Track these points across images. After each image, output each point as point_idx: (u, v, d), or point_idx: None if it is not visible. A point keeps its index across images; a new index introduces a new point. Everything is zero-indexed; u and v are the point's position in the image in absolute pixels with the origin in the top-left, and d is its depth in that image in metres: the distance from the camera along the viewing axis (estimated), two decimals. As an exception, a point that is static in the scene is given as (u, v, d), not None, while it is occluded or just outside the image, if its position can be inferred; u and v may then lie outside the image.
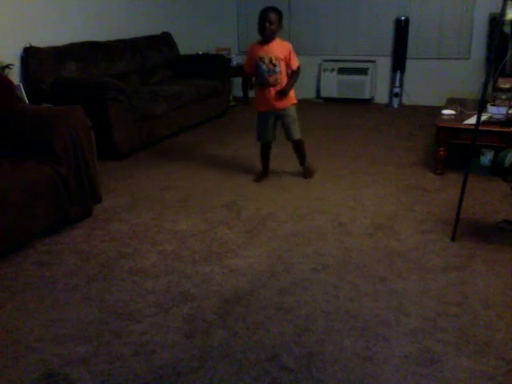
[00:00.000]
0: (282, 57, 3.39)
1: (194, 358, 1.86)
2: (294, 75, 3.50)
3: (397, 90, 6.36)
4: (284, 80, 3.46)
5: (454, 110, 3.94)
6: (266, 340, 1.94)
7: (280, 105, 3.49)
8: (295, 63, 3.46)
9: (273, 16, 3.29)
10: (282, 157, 4.10)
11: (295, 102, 3.58)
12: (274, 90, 3.44)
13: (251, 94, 6.70)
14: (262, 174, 3.77)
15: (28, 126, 2.93)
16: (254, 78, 3.58)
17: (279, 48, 3.40)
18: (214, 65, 5.85)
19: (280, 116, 3.55)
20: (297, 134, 3.63)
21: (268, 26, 3.29)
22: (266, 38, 3.36)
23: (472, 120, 3.58)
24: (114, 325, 2.06)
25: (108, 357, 1.87)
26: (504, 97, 3.73)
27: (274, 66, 3.38)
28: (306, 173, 3.81)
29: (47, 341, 1.97)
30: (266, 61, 3.37)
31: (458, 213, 2.73)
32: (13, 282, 2.40)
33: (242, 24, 7.01)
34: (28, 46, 4.14)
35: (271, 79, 3.41)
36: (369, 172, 3.89)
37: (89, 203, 3.03)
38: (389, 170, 3.94)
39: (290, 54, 3.42)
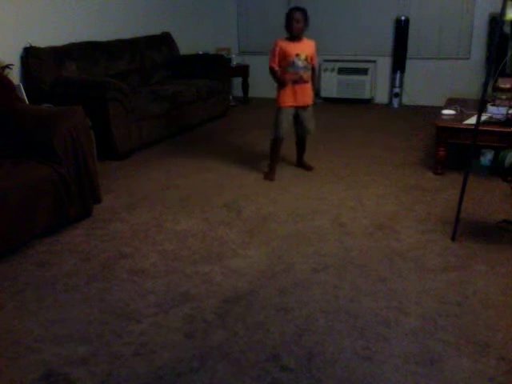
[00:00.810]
0: (311, 54, 3.56)
1: (193, 358, 1.86)
2: (315, 72, 3.69)
3: (397, 90, 6.36)
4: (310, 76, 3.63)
5: (454, 109, 3.95)
6: (266, 340, 1.94)
7: (309, 100, 3.67)
8: (317, 60, 3.69)
9: (301, 15, 3.44)
10: (282, 156, 4.10)
11: None
12: (306, 86, 3.59)
13: (251, 94, 6.76)
14: (273, 171, 3.79)
15: (28, 126, 2.93)
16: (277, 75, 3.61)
17: (309, 46, 3.57)
18: (213, 65, 5.85)
19: (302, 111, 3.67)
20: (313, 128, 3.82)
21: (296, 24, 3.44)
22: (296, 35, 3.49)
23: (472, 120, 3.58)
24: (113, 325, 2.06)
25: (108, 357, 1.87)
26: (504, 97, 3.73)
27: (308, 62, 3.54)
28: (307, 165, 3.97)
29: (47, 341, 1.97)
30: (303, 58, 3.50)
31: (458, 213, 2.73)
32: (13, 282, 2.40)
33: (242, 24, 6.99)
34: (28, 45, 4.13)
35: (305, 76, 3.55)
36: (369, 172, 3.89)
37: (89, 203, 3.03)
38: (389, 170, 3.94)
39: (314, 52, 3.61)
